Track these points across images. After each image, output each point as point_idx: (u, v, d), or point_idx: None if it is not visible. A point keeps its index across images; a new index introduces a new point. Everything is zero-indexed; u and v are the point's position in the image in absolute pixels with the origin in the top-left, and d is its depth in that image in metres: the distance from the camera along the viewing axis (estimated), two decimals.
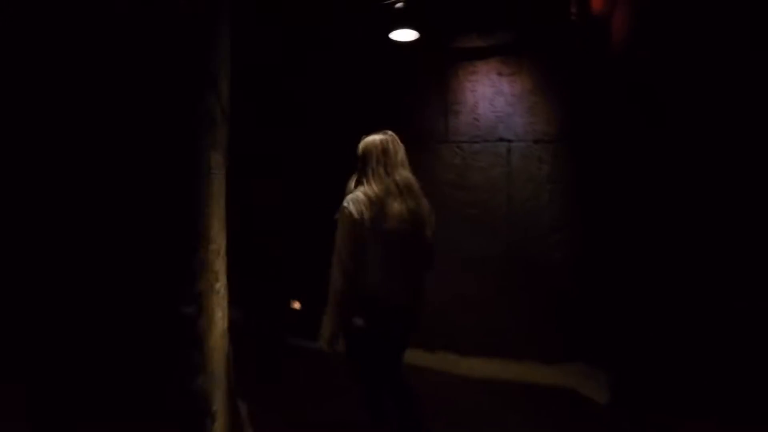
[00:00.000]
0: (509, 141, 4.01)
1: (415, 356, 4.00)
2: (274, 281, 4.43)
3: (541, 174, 3.94)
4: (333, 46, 4.41)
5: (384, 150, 2.17)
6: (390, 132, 2.26)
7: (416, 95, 4.26)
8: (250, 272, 4.95)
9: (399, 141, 2.25)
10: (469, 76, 4.11)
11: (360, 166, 2.22)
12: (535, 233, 3.94)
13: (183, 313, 1.23)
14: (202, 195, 1.36)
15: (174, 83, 1.13)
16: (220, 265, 2.36)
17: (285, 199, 4.82)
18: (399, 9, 3.74)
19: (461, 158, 4.12)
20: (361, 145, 2.24)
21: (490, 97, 4.05)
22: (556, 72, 3.93)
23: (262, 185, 4.90)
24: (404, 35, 4.00)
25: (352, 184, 2.27)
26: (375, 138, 2.22)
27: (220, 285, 2.37)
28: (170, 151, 1.13)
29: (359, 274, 2.11)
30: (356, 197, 2.11)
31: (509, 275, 3.98)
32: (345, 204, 2.11)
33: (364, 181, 2.16)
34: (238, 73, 2.23)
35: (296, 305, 2.73)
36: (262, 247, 4.88)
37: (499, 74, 4.03)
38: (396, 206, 2.11)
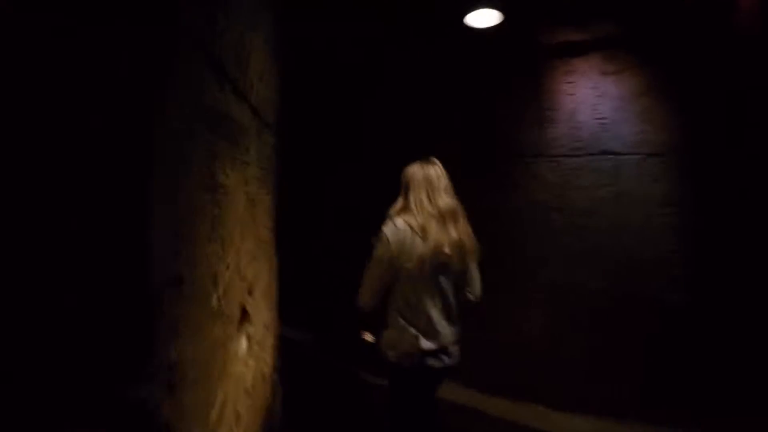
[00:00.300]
0: (616, 154, 3.35)
1: (494, 404, 3.48)
2: (344, 305, 4.15)
3: (654, 195, 3.25)
4: (408, 45, 3.99)
5: (426, 177, 2.19)
6: (433, 158, 2.27)
7: (506, 100, 3.73)
8: (322, 294, 4.68)
9: (442, 167, 2.25)
10: (566, 77, 3.50)
11: (403, 193, 2.25)
12: (646, 267, 3.24)
13: (130, 400, 0.83)
14: (176, 225, 0.97)
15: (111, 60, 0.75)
16: (256, 306, 1.98)
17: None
18: None
19: (559, 175, 3.52)
20: (404, 172, 2.27)
21: (592, 101, 3.42)
22: (673, 69, 3.21)
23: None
24: (484, 18, 3.44)
25: (393, 210, 2.25)
26: (417, 165, 2.25)
27: (256, 329, 1.99)
28: (101, 155, 0.74)
29: (383, 300, 2.18)
30: (396, 224, 2.14)
31: (612, 317, 3.32)
32: (384, 229, 2.15)
33: (407, 209, 2.18)
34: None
35: (368, 337, 2.57)
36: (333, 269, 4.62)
37: (602, 74, 3.38)
38: (437, 236, 2.09)
